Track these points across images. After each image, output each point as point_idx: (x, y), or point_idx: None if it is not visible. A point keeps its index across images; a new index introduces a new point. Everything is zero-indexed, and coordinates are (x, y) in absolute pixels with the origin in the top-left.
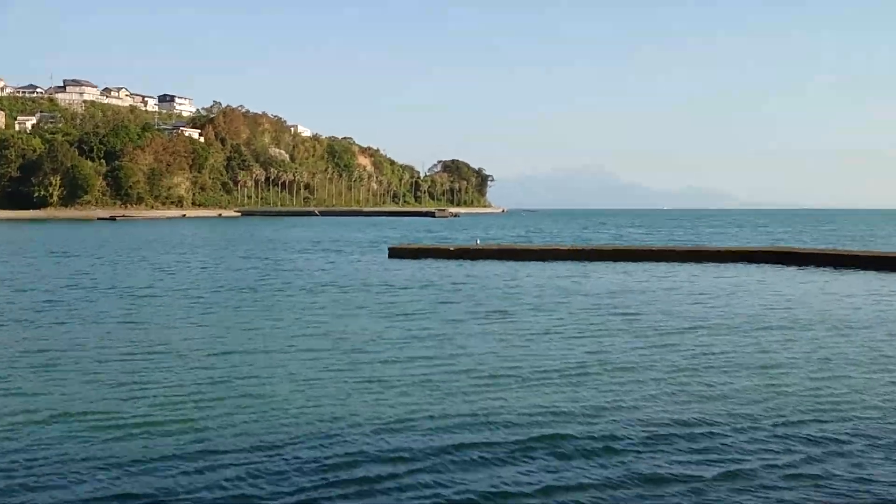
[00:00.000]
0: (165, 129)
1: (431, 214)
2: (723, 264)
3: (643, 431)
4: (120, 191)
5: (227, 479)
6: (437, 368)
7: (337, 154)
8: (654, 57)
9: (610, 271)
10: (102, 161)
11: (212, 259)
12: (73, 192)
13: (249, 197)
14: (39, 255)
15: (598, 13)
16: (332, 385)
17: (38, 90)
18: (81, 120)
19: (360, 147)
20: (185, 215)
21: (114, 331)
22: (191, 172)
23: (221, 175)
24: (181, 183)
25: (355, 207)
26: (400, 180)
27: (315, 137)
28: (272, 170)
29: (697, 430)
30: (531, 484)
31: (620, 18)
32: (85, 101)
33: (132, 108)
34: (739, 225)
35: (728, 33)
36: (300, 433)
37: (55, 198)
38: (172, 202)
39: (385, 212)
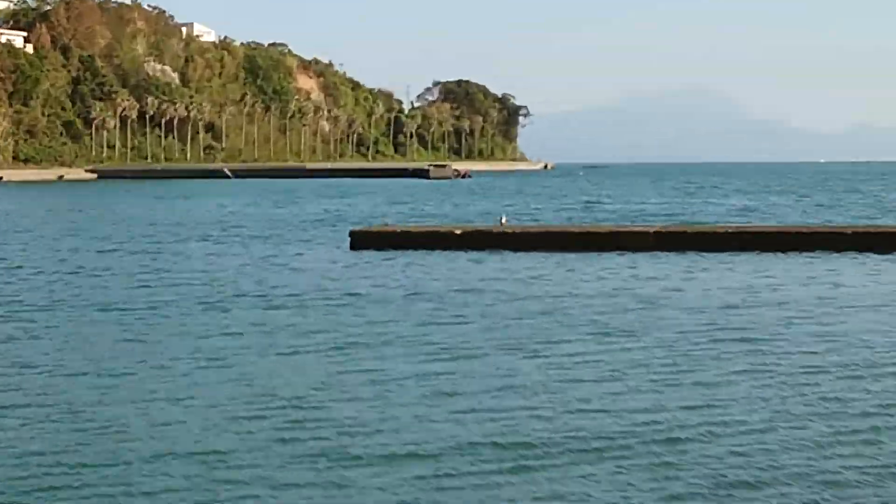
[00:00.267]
0: None
1: (423, 173)
2: None
3: None
4: None
5: None
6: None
7: (261, 73)
8: None
9: (742, 269)
10: None
11: (43, 254)
12: None
13: (111, 147)
14: None
15: None
16: None
17: None
18: None
19: (301, 61)
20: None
21: None
22: (10, 105)
23: (64, 110)
24: None
25: (293, 163)
26: (369, 116)
27: (224, 44)
28: (150, 100)
29: None
30: None
31: None
32: None
33: None
34: None
35: None
36: None
37: None
38: None
39: (345, 170)
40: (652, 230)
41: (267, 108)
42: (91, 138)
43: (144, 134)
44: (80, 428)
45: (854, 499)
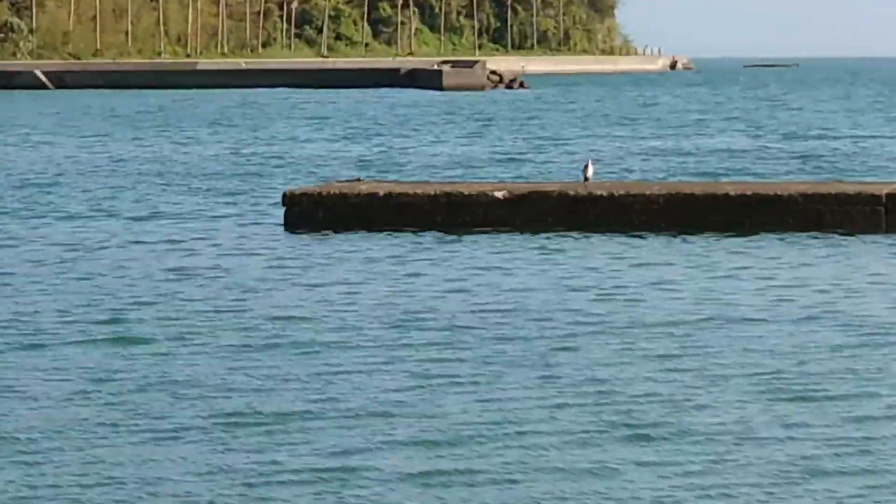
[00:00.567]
0: None
1: (430, 79)
2: None
3: None
4: None
5: None
6: None
7: None
8: None
9: None
10: None
11: None
12: None
13: None
14: None
15: None
16: None
17: None
18: None
19: None
20: None
21: None
22: None
23: None
24: None
25: (172, 60)
26: None
27: None
28: None
29: None
30: None
31: None
32: None
33: None
34: None
35: None
36: None
37: None
38: None
39: (275, 72)
40: (883, 192)
41: None
42: None
43: None
44: None
45: None
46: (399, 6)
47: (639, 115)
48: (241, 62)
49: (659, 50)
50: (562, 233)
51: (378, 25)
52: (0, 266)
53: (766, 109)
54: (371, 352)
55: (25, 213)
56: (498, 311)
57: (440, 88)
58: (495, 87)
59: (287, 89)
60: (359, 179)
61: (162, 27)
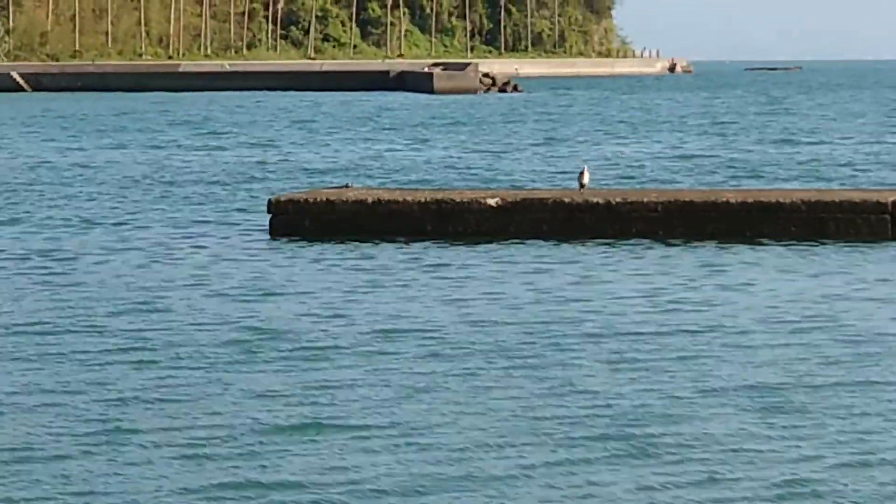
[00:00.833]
0: None
1: (420, 82)
2: None
3: None
4: None
5: None
6: None
7: None
8: None
9: None
10: None
11: None
12: None
13: None
14: None
15: None
16: None
17: None
18: None
19: None
20: None
21: None
22: None
23: None
24: None
25: (154, 61)
26: None
27: None
28: None
29: None
30: None
31: None
32: None
33: None
34: None
35: None
36: None
37: None
38: None
39: (259, 74)
40: (889, 199)
41: None
42: None
43: None
44: None
45: None
46: (388, 6)
47: (605, 118)
48: (225, 64)
49: (657, 52)
50: (557, 241)
51: (367, 26)
52: None
53: (768, 115)
54: (357, 362)
55: None
56: (488, 321)
57: (431, 92)
58: (488, 90)
59: (272, 92)
60: (347, 186)
61: (143, 28)
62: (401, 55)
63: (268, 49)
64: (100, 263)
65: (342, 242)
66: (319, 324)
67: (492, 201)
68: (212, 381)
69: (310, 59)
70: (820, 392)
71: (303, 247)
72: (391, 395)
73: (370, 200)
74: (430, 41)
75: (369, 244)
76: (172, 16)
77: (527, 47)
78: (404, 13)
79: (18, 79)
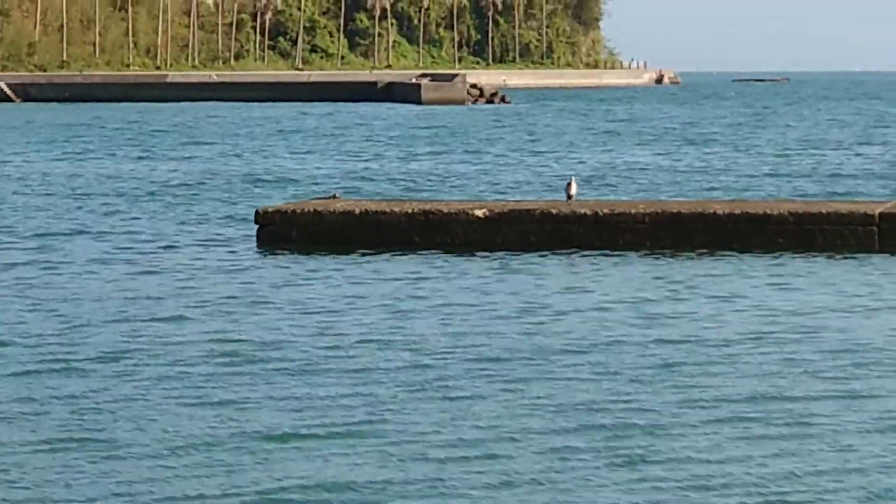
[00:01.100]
0: None
1: (408, 92)
2: None
3: None
4: None
5: None
6: None
7: None
8: None
9: None
10: None
11: None
12: None
13: None
14: None
15: None
16: None
17: None
18: None
19: None
20: None
21: None
22: None
23: None
24: None
25: (142, 72)
26: None
27: None
28: None
29: None
30: None
31: None
32: None
33: None
34: None
35: None
36: None
37: None
38: None
39: (247, 85)
40: (876, 211)
41: None
42: None
43: None
44: None
45: None
46: (377, 17)
47: (592, 130)
48: (213, 75)
49: (644, 64)
50: (544, 253)
51: (355, 37)
52: None
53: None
54: (343, 372)
55: None
56: (474, 332)
57: (418, 102)
58: (475, 101)
59: (260, 103)
60: (335, 196)
61: (131, 38)
62: (389, 66)
63: (255, 60)
64: (85, 274)
65: (329, 253)
66: (306, 335)
67: (479, 212)
68: (195, 391)
69: (297, 69)
70: (802, 404)
71: (290, 258)
72: (376, 406)
73: (357, 211)
74: (418, 52)
75: (356, 255)
76: (160, 26)
77: (514, 58)
78: (392, 24)
79: (6, 89)
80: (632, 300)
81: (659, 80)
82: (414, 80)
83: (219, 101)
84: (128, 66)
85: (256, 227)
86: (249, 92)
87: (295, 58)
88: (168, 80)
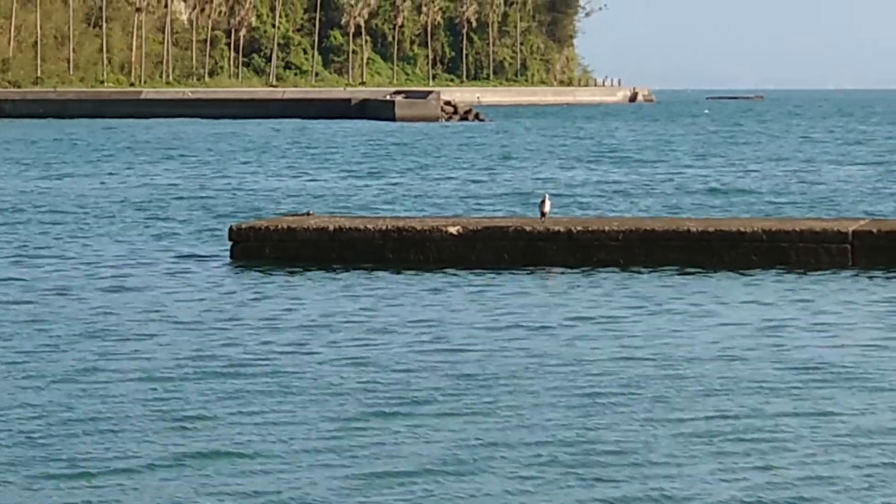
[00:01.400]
0: None
1: (382, 110)
2: None
3: None
4: None
5: None
6: None
7: None
8: None
9: None
10: None
11: None
12: None
13: None
14: None
15: None
16: None
17: None
18: None
19: None
20: None
21: None
22: None
23: None
24: None
25: (115, 88)
26: None
27: None
28: None
29: None
30: None
31: None
32: None
33: None
34: None
35: None
36: None
37: None
38: None
39: (222, 102)
40: (850, 229)
41: None
42: None
43: None
44: None
45: None
46: (351, 35)
47: (565, 147)
48: (187, 91)
49: (619, 81)
50: (518, 270)
51: (329, 54)
52: None
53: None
54: (312, 390)
55: None
56: (445, 349)
57: (392, 119)
58: (449, 118)
59: (234, 120)
60: (308, 213)
61: (105, 55)
62: (363, 83)
63: (230, 76)
64: (56, 291)
65: (303, 270)
66: (278, 351)
67: (453, 229)
68: (165, 407)
69: (272, 86)
70: (773, 420)
71: (263, 274)
72: (343, 423)
73: (331, 228)
74: (393, 69)
75: (330, 272)
76: (134, 43)
77: (489, 76)
78: (366, 41)
79: None
80: (604, 318)
81: (633, 98)
82: (388, 98)
83: (193, 117)
84: (102, 82)
85: (230, 243)
86: (223, 109)
87: (269, 74)
88: (142, 96)
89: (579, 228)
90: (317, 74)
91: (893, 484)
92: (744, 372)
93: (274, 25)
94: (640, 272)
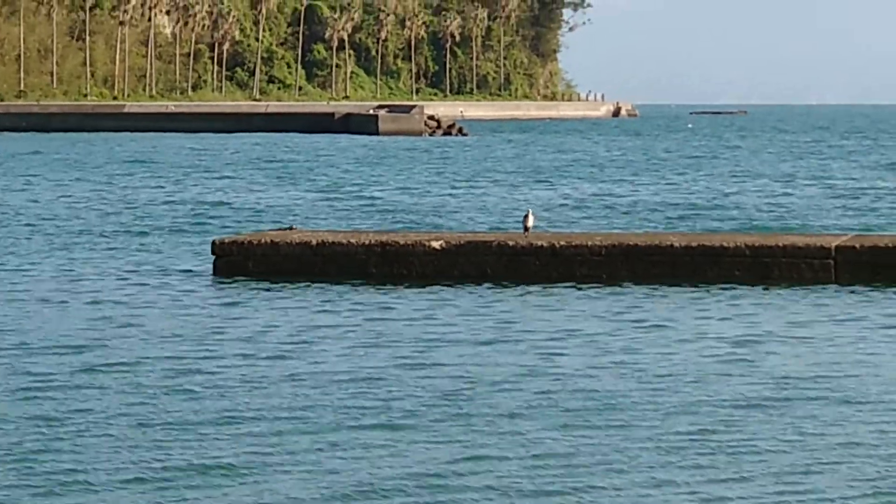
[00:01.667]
0: None
1: (365, 124)
2: None
3: None
4: None
5: None
6: None
7: None
8: None
9: None
10: None
11: None
12: None
13: None
14: None
15: None
16: None
17: None
18: None
19: None
20: None
21: None
22: None
23: None
24: None
25: (98, 102)
26: (255, 7)
27: None
28: None
29: None
30: None
31: None
32: None
33: None
34: None
35: None
36: None
37: None
38: None
39: (206, 115)
40: (833, 244)
41: None
42: None
43: None
44: None
45: None
46: (334, 49)
47: (554, 167)
48: (170, 105)
49: (602, 96)
50: (500, 285)
51: (312, 68)
52: None
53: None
54: (291, 406)
55: None
56: (425, 364)
57: (376, 133)
58: (433, 132)
59: (217, 134)
60: (291, 228)
61: (88, 68)
62: (346, 97)
63: (213, 90)
64: (37, 305)
65: (286, 285)
66: (259, 366)
67: (436, 244)
68: (142, 421)
69: (255, 100)
70: (749, 435)
71: (246, 289)
72: (320, 438)
73: (314, 242)
74: (376, 83)
75: (313, 287)
76: (118, 56)
77: (472, 90)
78: (350, 55)
79: None
80: (585, 333)
81: (616, 113)
82: (371, 112)
83: (176, 131)
84: (85, 95)
85: (213, 257)
86: (206, 122)
87: (252, 88)
88: (125, 110)
89: (562, 243)
90: (300, 88)
91: (870, 499)
92: (724, 387)
93: (257, 39)
94: (622, 287)
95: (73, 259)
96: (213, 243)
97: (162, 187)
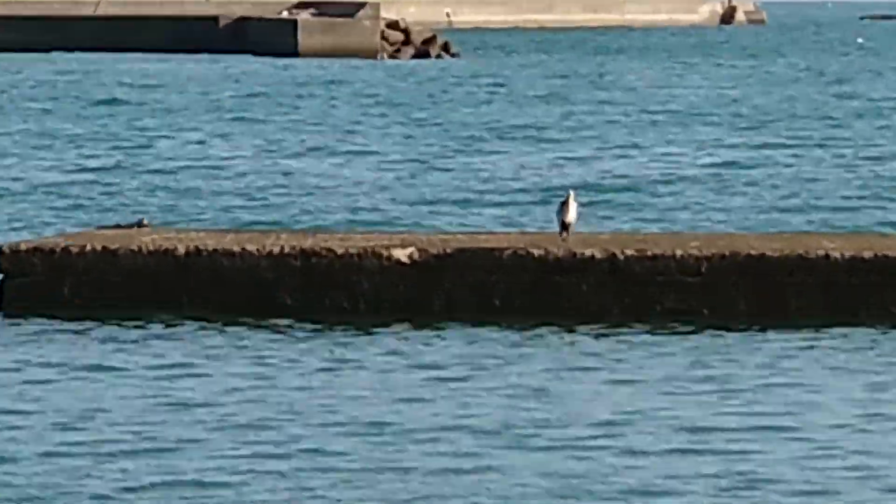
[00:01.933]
0: None
1: (278, 39)
2: None
3: None
4: None
5: None
6: None
7: None
8: None
9: None
10: None
11: None
12: None
13: None
14: None
15: None
16: None
17: None
18: None
19: None
20: None
21: None
22: None
23: None
24: None
25: None
26: None
27: None
28: None
29: None
30: None
31: None
32: None
33: None
34: None
35: None
36: None
37: None
38: None
39: None
40: None
41: None
42: None
43: None
44: None
45: None
46: None
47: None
48: None
49: None
50: (515, 327)
51: None
52: None
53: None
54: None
55: None
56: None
57: (293, 53)
58: (396, 52)
59: (9, 53)
60: (141, 223)
61: None
62: None
63: None
64: None
65: (125, 328)
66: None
67: (402, 254)
68: None
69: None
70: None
71: (48, 339)
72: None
73: (180, 250)
74: None
75: (180, 330)
76: None
77: None
78: None
79: None
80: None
81: (728, 17)
82: (285, 14)
83: None
84: None
85: None
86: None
87: None
88: None
89: (630, 253)
90: None
91: None
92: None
93: None
94: (741, 330)
95: None
96: (1, 251)
97: None
